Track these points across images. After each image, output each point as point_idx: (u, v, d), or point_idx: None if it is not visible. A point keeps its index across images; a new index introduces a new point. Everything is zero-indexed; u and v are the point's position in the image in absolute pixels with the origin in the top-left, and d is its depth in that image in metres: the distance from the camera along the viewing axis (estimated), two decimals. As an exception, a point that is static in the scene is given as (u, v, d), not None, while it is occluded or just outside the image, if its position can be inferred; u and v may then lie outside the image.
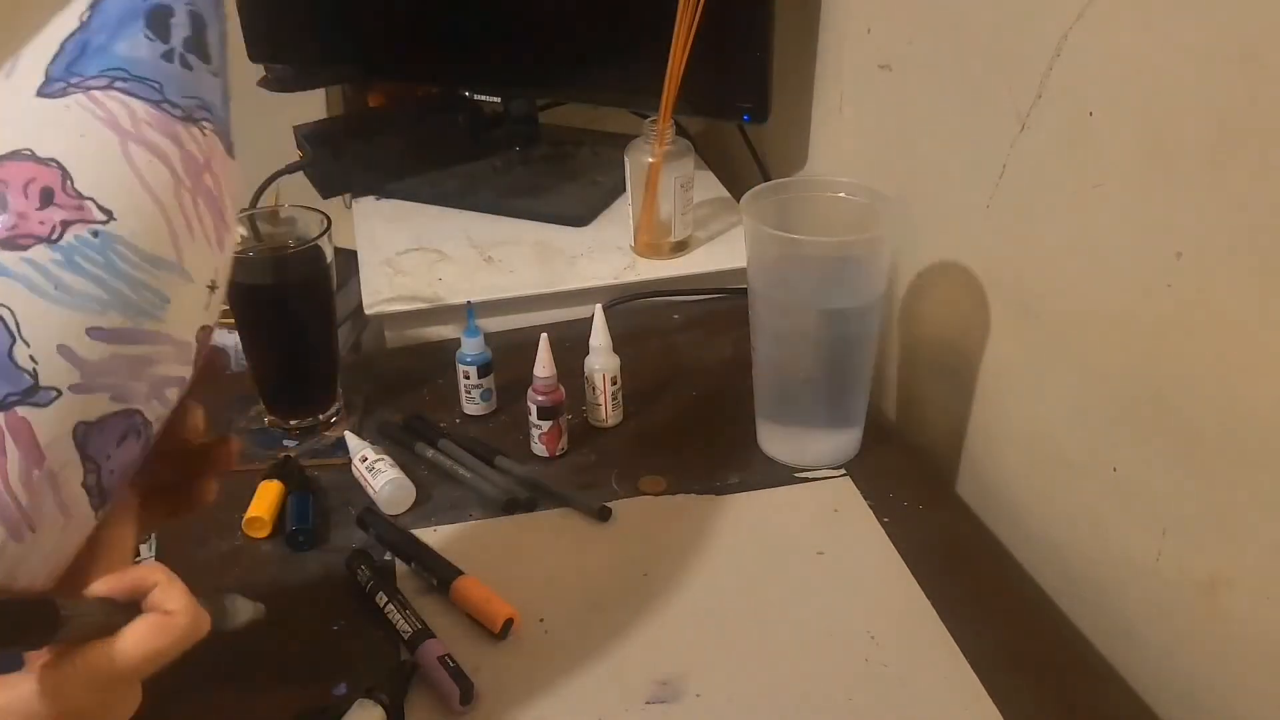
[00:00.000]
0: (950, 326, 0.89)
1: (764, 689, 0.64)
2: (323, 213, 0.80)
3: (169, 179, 0.44)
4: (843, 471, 0.82)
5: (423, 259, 1.09)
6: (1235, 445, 0.60)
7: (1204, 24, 0.58)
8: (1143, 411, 0.67)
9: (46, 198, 0.41)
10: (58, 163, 0.41)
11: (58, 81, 0.43)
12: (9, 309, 0.40)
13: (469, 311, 0.87)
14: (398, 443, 0.86)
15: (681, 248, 1.09)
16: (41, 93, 0.43)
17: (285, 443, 0.86)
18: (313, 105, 1.56)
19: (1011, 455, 0.82)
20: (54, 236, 0.41)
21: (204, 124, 0.46)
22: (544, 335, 0.82)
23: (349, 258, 1.16)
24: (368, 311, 1.02)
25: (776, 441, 0.84)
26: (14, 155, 0.41)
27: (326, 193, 1.24)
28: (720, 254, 1.10)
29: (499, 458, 0.83)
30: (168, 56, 0.45)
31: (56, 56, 0.44)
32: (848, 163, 1.04)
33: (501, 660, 0.66)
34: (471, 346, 0.87)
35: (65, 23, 0.45)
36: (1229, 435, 0.61)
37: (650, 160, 1.03)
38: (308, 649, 0.67)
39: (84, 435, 0.42)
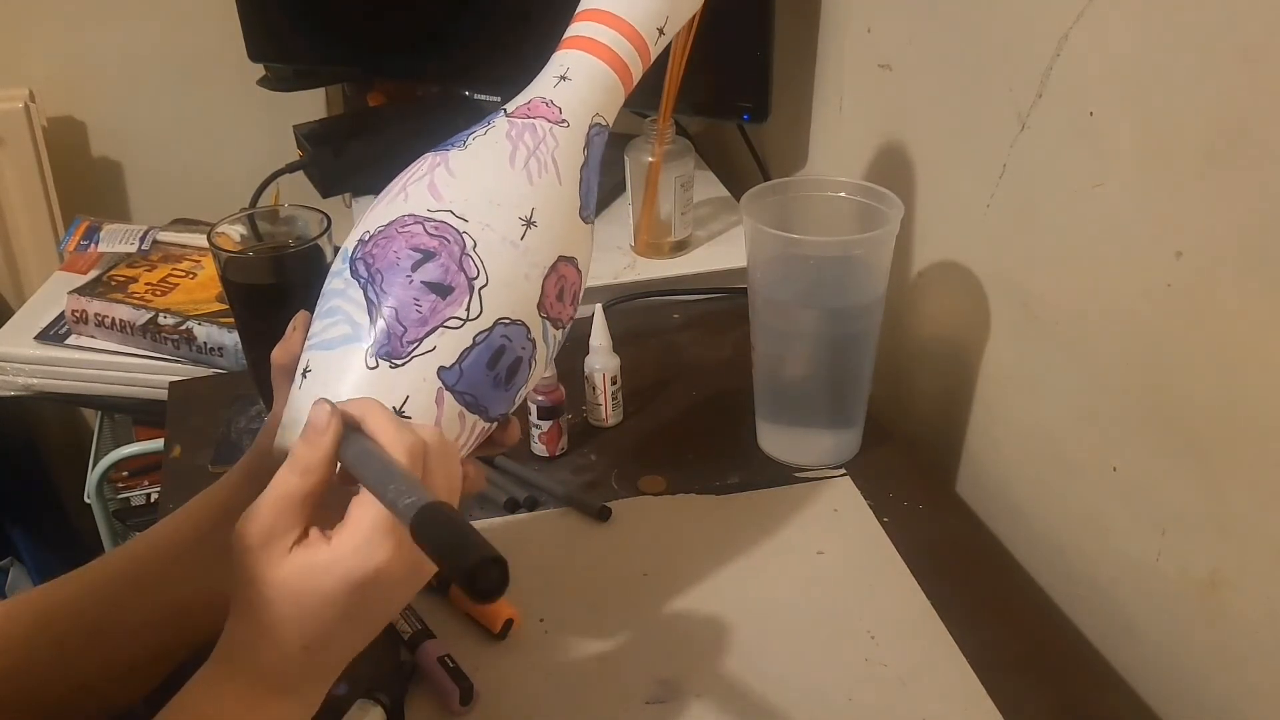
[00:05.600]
0: (950, 326, 0.89)
1: (764, 689, 0.64)
2: (323, 212, 0.79)
3: None
4: (843, 471, 0.82)
5: (423, 259, 1.08)
6: (1235, 445, 0.60)
7: (1204, 24, 0.58)
8: (1143, 411, 0.67)
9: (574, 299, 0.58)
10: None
11: None
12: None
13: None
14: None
15: (681, 247, 1.09)
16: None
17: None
18: (313, 105, 1.57)
19: (1011, 455, 0.82)
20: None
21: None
22: (544, 335, 0.82)
23: (349, 257, 1.16)
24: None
25: (776, 441, 0.84)
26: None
27: (326, 192, 1.24)
28: (720, 254, 1.10)
29: (499, 458, 0.83)
30: None
31: None
32: (848, 163, 1.04)
33: (501, 660, 0.66)
34: (471, 346, 0.87)
35: None
36: (1229, 435, 0.61)
37: (650, 160, 1.03)
38: (308, 649, 0.67)
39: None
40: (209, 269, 1.24)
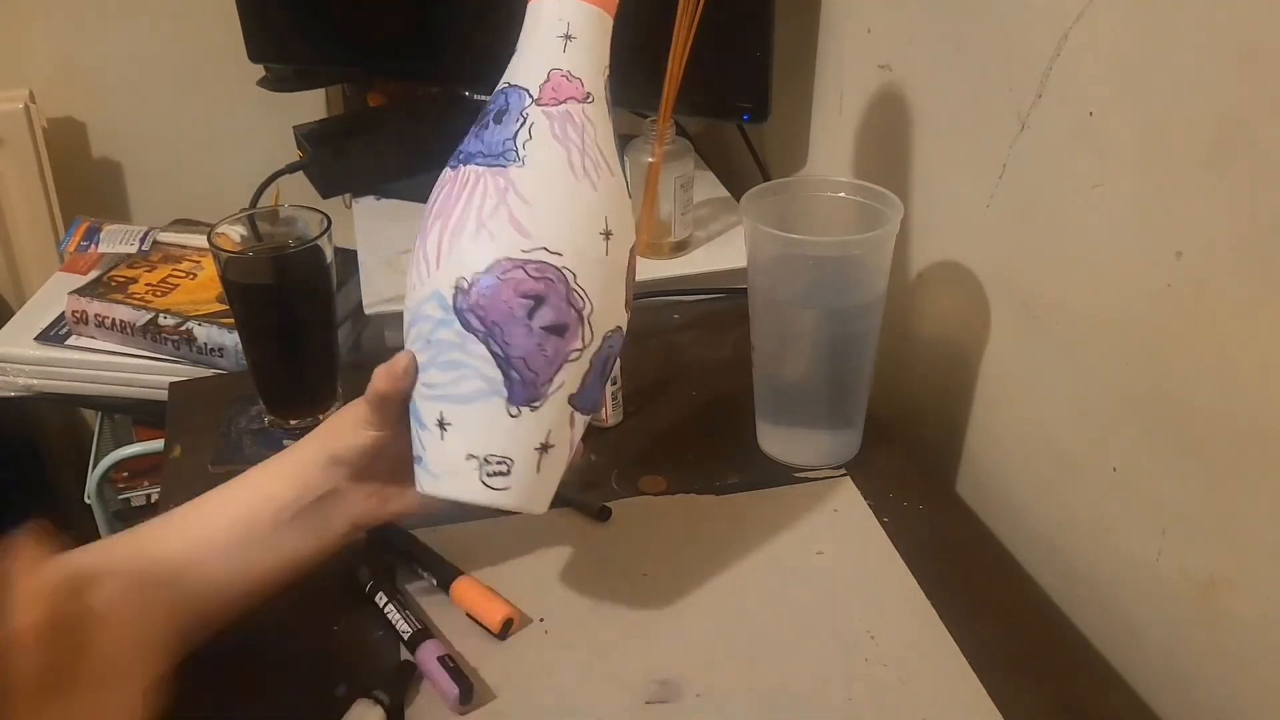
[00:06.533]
0: (950, 326, 0.89)
1: (764, 689, 0.64)
2: (323, 213, 0.80)
3: None
4: (843, 471, 0.82)
5: (423, 259, 1.08)
6: (1235, 445, 0.60)
7: (1204, 24, 0.58)
8: (1143, 411, 0.67)
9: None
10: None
11: None
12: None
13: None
14: (398, 443, 0.85)
15: (681, 248, 1.09)
16: None
17: (285, 442, 0.86)
18: (313, 105, 1.57)
19: (1011, 455, 0.82)
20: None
21: None
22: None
23: (349, 258, 1.17)
24: (368, 311, 1.02)
25: (776, 441, 0.84)
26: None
27: (326, 193, 1.24)
28: (720, 254, 1.10)
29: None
30: None
31: None
32: (848, 163, 1.04)
33: (501, 660, 0.66)
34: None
35: None
36: (1229, 435, 0.61)
37: (650, 160, 1.03)
38: (308, 649, 0.67)
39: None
40: (209, 269, 1.24)
